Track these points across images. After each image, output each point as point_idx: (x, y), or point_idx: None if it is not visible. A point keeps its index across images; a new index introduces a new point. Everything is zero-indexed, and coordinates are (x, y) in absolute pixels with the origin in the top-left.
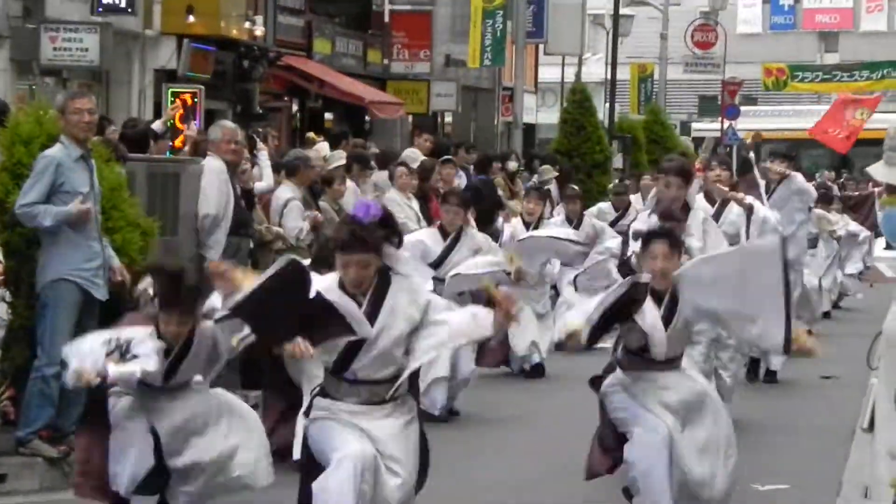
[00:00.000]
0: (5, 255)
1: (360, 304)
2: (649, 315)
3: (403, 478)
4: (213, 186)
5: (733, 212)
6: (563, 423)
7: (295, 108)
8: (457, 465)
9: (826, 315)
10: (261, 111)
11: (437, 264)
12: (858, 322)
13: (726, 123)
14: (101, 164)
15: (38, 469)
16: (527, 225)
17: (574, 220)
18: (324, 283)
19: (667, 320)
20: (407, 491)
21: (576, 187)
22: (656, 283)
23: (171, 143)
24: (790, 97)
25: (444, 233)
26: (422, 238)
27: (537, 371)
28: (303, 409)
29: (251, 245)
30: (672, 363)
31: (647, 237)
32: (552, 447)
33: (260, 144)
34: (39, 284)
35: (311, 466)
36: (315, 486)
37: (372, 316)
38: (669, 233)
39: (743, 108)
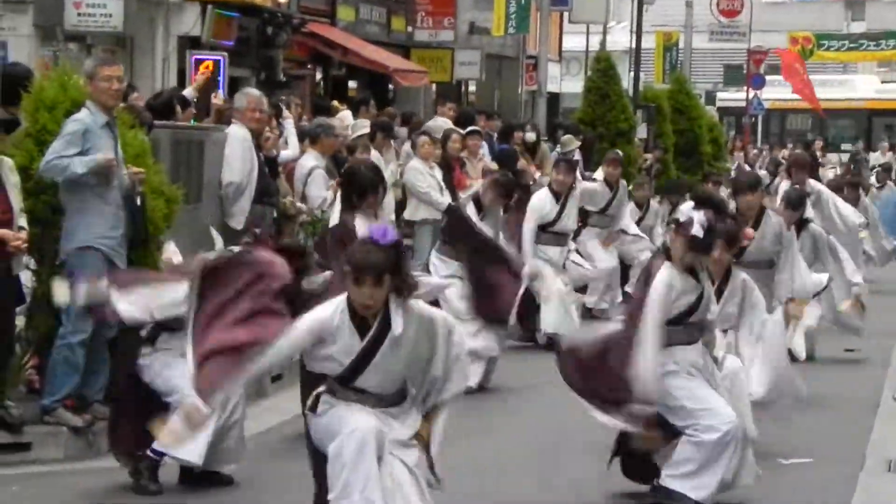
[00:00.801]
0: (30, 222)
1: (368, 327)
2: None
3: (413, 462)
4: (237, 154)
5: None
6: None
7: (318, 75)
8: (472, 435)
9: None
10: (284, 79)
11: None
12: (883, 295)
13: (752, 93)
14: (124, 130)
15: (62, 438)
16: (556, 195)
17: (612, 184)
18: (328, 311)
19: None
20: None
21: (619, 151)
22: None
23: (195, 112)
24: (816, 66)
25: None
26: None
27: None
28: (307, 407)
29: (275, 214)
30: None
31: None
32: (566, 418)
33: (285, 113)
34: (64, 252)
35: (319, 458)
36: (331, 450)
37: (377, 341)
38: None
39: (768, 78)
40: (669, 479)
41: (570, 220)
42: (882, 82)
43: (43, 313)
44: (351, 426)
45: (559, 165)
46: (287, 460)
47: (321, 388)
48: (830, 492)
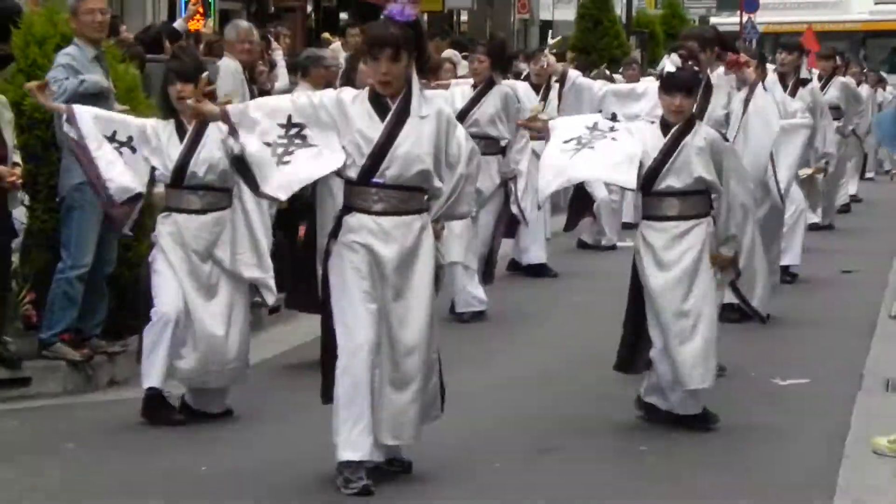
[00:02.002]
0: (23, 158)
1: (387, 109)
2: (651, 137)
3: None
4: (229, 87)
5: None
6: (582, 319)
7: (309, 7)
8: (478, 360)
9: (846, 209)
10: (275, 11)
11: (460, 117)
12: (878, 216)
13: (745, 17)
14: (115, 64)
15: (61, 372)
16: (536, 88)
17: None
18: (350, 93)
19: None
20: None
21: (635, 55)
22: (670, 117)
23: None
24: None
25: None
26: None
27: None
28: (326, 239)
29: None
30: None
31: (669, 78)
32: (572, 341)
33: (274, 44)
34: (64, 188)
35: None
36: (338, 370)
37: (398, 123)
38: (687, 78)
39: (762, 1)
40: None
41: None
42: (876, 3)
43: (39, 248)
44: (353, 341)
45: (535, 55)
46: (287, 391)
47: (341, 211)
48: (828, 412)
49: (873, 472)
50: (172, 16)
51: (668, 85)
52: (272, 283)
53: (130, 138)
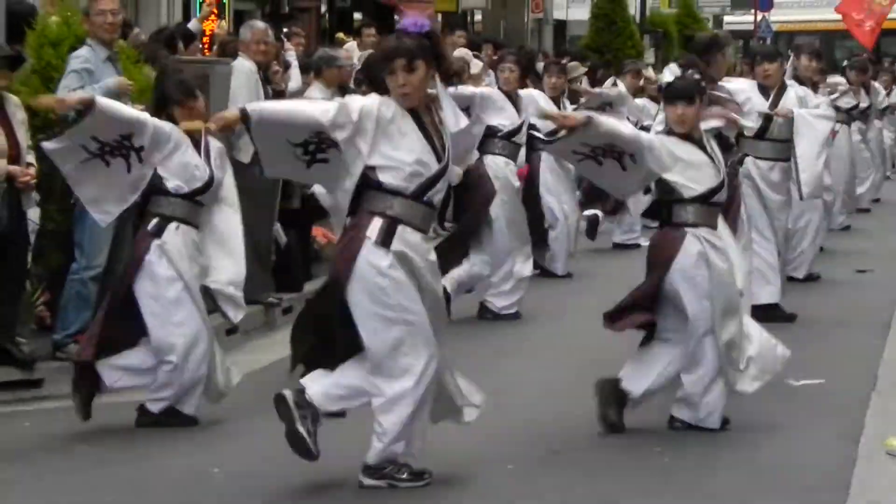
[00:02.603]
0: (37, 159)
1: (428, 132)
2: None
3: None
4: (243, 87)
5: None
6: (596, 321)
7: (324, 8)
8: (490, 362)
9: (865, 210)
10: (289, 11)
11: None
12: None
13: (759, 15)
14: (129, 66)
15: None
16: (553, 100)
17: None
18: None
19: None
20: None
21: (637, 61)
22: (675, 127)
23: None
24: None
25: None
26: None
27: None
28: (371, 238)
29: None
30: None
31: (669, 87)
32: (586, 342)
33: (287, 45)
34: None
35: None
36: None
37: (443, 146)
38: (686, 86)
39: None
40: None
41: None
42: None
43: (52, 249)
44: (415, 363)
45: (550, 68)
46: None
47: (379, 218)
48: (842, 413)
49: (887, 473)
50: (187, 16)
51: (669, 95)
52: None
53: (142, 147)
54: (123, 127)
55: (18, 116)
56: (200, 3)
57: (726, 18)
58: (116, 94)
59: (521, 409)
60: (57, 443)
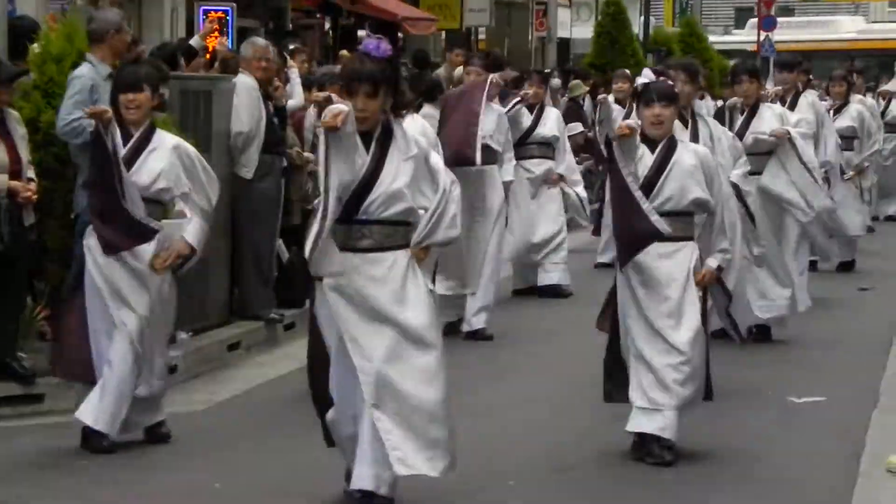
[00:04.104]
0: (38, 175)
1: (367, 146)
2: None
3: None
4: (245, 104)
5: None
6: (593, 338)
7: (327, 25)
8: (494, 378)
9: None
10: (293, 28)
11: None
12: None
13: (763, 35)
14: None
15: (74, 389)
16: (530, 108)
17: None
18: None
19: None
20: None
21: (627, 70)
22: (650, 130)
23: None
24: (828, 7)
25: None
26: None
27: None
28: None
29: (284, 163)
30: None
31: (643, 88)
32: (588, 359)
33: (290, 61)
34: (79, 205)
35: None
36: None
37: (380, 159)
38: (659, 90)
39: (780, 20)
40: None
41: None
42: (870, 23)
43: (54, 265)
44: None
45: (532, 77)
46: (303, 406)
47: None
48: (844, 431)
49: (889, 491)
50: (191, 32)
51: (646, 96)
52: None
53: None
54: None
55: (20, 132)
56: (204, 19)
57: (727, 38)
58: None
59: (524, 426)
60: (58, 458)
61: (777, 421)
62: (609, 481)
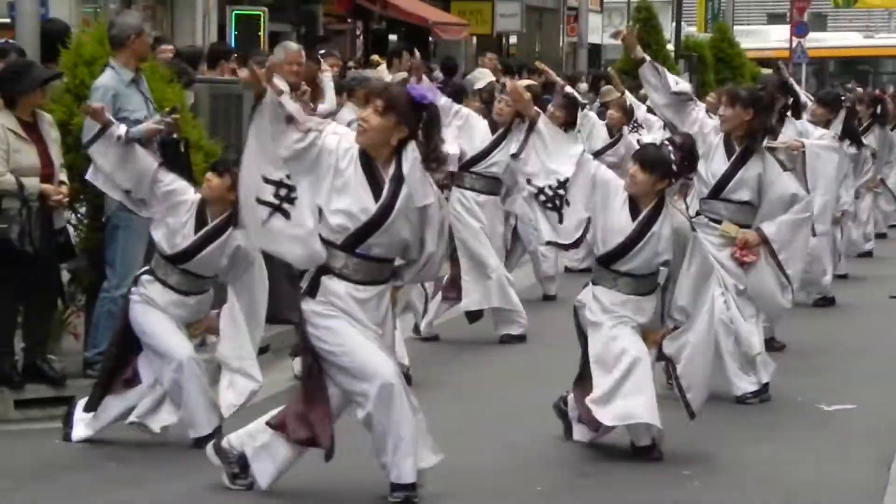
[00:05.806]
0: (70, 177)
1: (378, 183)
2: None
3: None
4: None
5: None
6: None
7: (359, 30)
8: (520, 382)
9: (882, 235)
10: (324, 33)
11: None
12: None
13: (795, 41)
14: (163, 85)
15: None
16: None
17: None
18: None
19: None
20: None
21: (627, 97)
22: (629, 188)
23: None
24: (861, 13)
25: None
26: None
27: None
28: (303, 289)
29: None
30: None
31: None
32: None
33: (324, 66)
34: (110, 207)
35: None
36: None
37: (394, 196)
38: (644, 153)
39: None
40: None
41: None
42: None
43: (85, 267)
44: (378, 379)
45: (556, 99)
46: None
47: (313, 271)
48: (874, 438)
49: None
50: (223, 36)
51: (635, 154)
52: None
53: (143, 201)
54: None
55: (52, 135)
56: (236, 23)
57: (742, 44)
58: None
59: (551, 431)
60: (87, 461)
61: (807, 428)
62: (636, 487)
